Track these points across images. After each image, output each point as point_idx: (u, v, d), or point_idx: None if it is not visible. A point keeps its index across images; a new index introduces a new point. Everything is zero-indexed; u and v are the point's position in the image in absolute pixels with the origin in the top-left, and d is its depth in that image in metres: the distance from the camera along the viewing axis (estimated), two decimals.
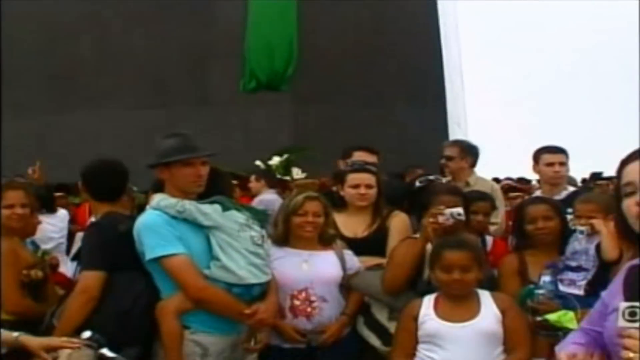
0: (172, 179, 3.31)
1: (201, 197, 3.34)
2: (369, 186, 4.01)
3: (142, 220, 3.23)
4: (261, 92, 8.02)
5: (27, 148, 10.88)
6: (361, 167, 4.20)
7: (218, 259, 3.20)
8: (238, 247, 3.24)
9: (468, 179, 5.11)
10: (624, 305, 1.72)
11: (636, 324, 1.69)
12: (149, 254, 3.14)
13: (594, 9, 31.78)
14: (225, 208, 3.31)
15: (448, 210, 3.41)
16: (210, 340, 3.18)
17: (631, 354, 1.67)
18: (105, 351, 2.46)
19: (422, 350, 3.11)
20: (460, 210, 3.45)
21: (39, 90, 11.37)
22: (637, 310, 1.69)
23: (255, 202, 6.30)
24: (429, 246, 3.40)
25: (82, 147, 8.91)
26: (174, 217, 3.20)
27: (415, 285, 3.47)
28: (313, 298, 3.55)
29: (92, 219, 3.82)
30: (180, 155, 3.28)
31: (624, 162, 1.89)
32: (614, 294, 1.94)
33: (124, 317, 3.16)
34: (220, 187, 3.45)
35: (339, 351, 3.56)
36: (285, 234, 3.67)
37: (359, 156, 4.87)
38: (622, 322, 1.71)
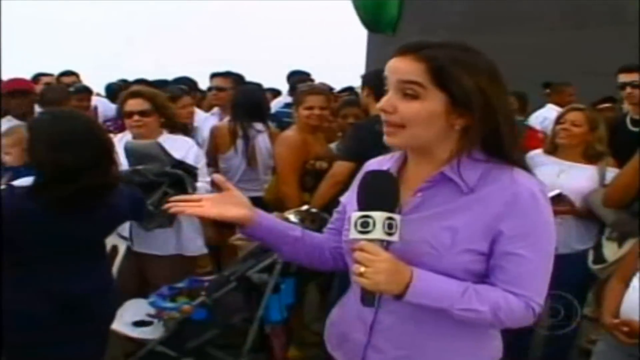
0: None
1: None
2: None
3: None
4: None
5: None
6: None
7: None
8: None
9: None
10: (356, 215, 1.53)
11: (369, 235, 1.50)
12: None
13: None
14: None
15: None
16: None
17: (362, 269, 1.50)
18: None
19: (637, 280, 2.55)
20: None
21: (456, 11, 11.90)
22: (370, 220, 1.50)
23: None
24: None
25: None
26: None
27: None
28: None
29: None
30: None
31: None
32: (350, 199, 1.76)
33: None
34: None
35: None
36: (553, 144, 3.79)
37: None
38: (354, 234, 1.52)
